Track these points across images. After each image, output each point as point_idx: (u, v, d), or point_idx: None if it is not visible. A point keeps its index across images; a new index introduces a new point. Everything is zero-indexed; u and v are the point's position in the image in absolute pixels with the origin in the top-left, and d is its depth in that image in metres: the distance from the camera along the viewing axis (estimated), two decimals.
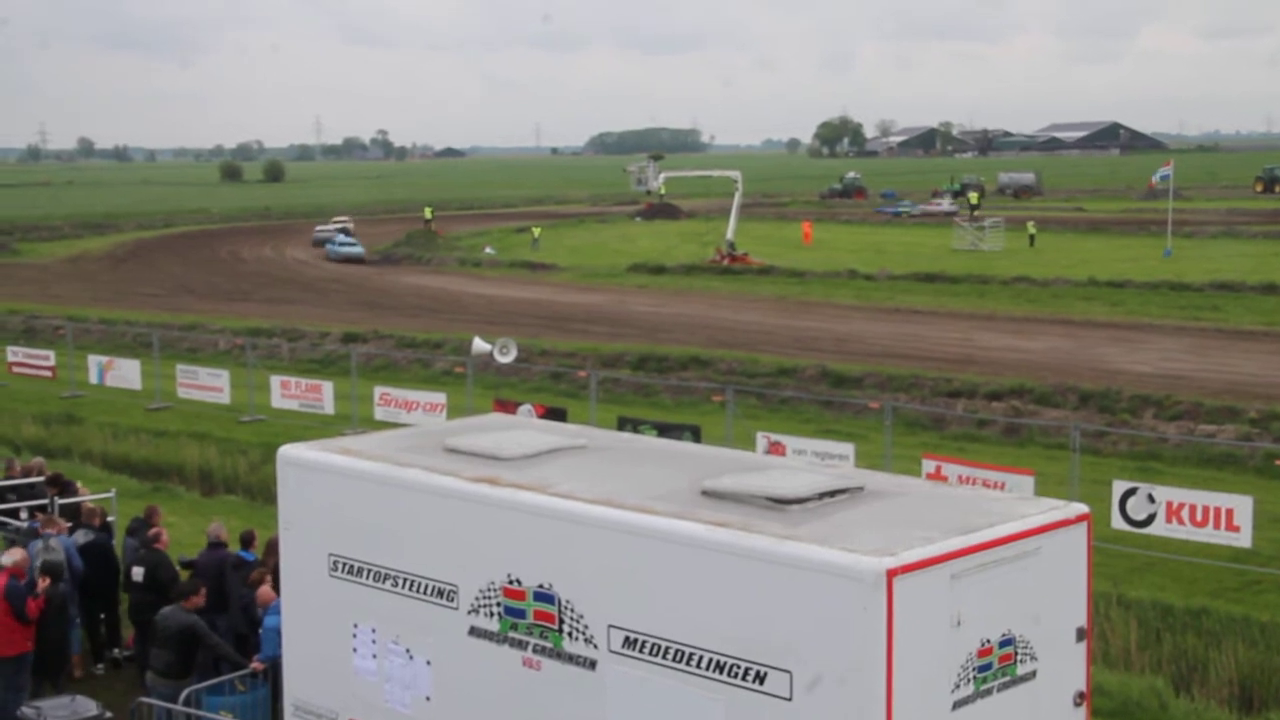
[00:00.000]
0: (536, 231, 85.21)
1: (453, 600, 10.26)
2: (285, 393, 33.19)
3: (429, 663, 10.54)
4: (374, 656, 10.92)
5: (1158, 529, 21.03)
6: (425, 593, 10.45)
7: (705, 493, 9.60)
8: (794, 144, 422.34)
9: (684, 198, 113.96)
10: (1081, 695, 9.50)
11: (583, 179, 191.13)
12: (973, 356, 39.54)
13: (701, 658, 8.81)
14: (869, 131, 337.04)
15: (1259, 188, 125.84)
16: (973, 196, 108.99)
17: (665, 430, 25.83)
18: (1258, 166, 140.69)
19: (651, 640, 9.07)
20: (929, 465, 22.79)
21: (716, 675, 8.72)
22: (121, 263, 78.76)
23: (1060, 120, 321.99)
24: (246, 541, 15.32)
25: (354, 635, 11.05)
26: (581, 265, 70.18)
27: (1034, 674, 9.07)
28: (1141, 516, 21.21)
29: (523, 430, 12.00)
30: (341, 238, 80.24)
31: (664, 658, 9.00)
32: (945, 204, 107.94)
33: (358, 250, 76.31)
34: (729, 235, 69.91)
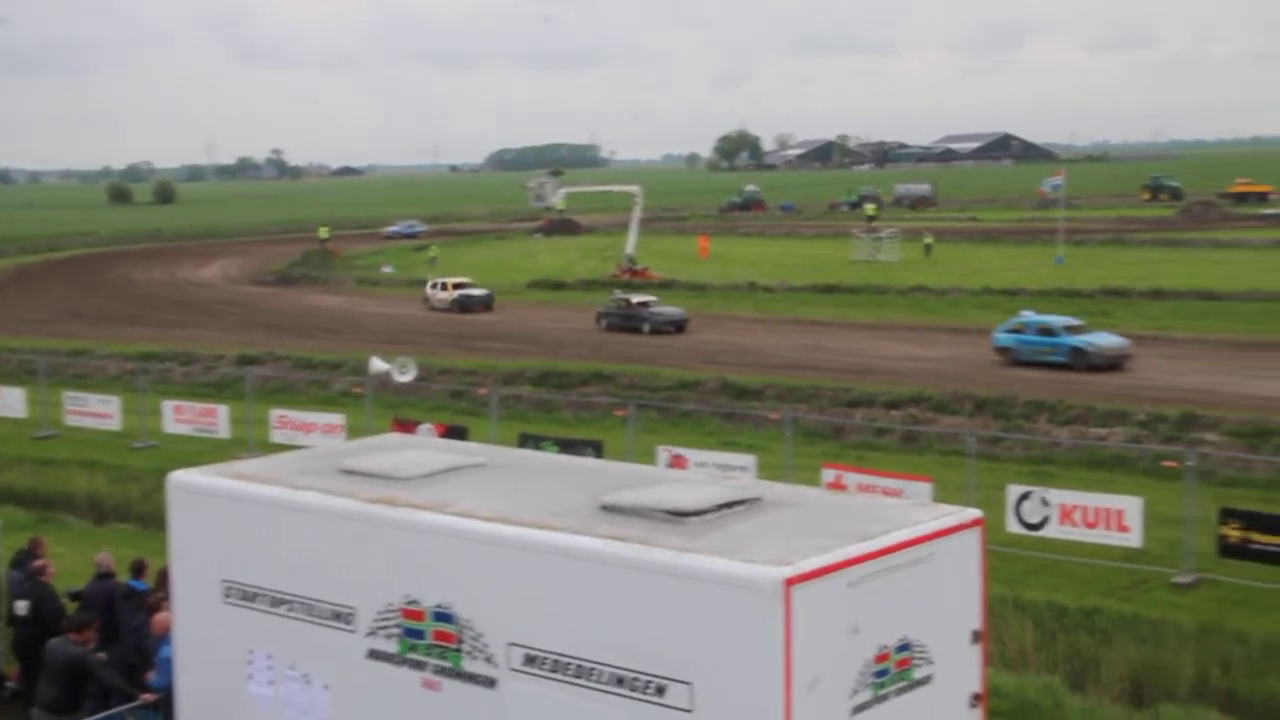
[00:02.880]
0: (433, 250, 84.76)
1: (351, 623, 10.15)
2: (179, 417, 32.62)
3: (327, 687, 10.41)
4: (270, 683, 10.77)
5: (1052, 531, 21.46)
6: (322, 616, 10.33)
7: (604, 507, 9.61)
8: (693, 158, 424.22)
9: (584, 213, 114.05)
10: (977, 697, 9.65)
11: (482, 196, 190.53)
12: (871, 366, 40.02)
13: (602, 672, 8.81)
14: (767, 145, 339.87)
15: (1146, 196, 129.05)
16: (869, 208, 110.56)
17: (567, 446, 25.82)
18: (1145, 175, 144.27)
19: (552, 657, 9.05)
20: (829, 474, 23.02)
21: (617, 689, 8.73)
22: (3, 288, 76.81)
23: (954, 132, 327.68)
24: (138, 570, 14.98)
25: (249, 662, 10.88)
26: (482, 282, 69.85)
27: (930, 678, 9.19)
28: (1036, 519, 21.62)
29: (420, 449, 11.93)
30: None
31: (564, 674, 8.99)
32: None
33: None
34: (629, 250, 70.12)
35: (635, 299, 52.66)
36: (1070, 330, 40.37)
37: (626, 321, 50.84)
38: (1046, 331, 40.21)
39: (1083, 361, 38.73)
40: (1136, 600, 19.51)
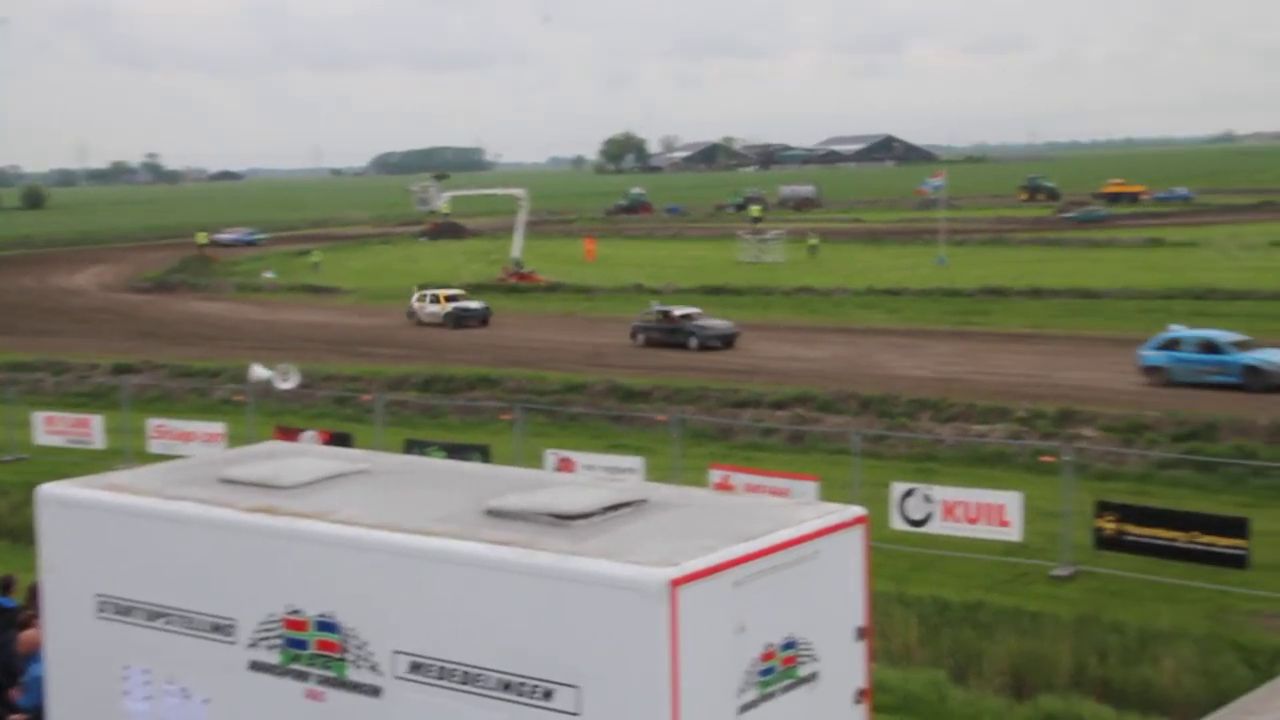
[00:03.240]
0: (316, 255, 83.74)
1: (231, 635, 9.98)
2: (50, 428, 31.75)
3: (207, 701, 10.22)
4: (147, 699, 10.53)
5: (935, 527, 21.80)
6: (202, 629, 10.14)
7: (490, 512, 9.56)
8: (579, 161, 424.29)
9: (469, 217, 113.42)
10: (862, 693, 9.76)
11: (365, 200, 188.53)
12: (758, 367, 40.35)
13: (489, 678, 8.76)
14: (653, 147, 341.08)
15: (1024, 196, 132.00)
16: (755, 210, 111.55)
17: (453, 451, 25.65)
18: (1022, 176, 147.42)
19: (438, 663, 8.98)
20: (716, 475, 23.15)
21: (504, 694, 8.69)
22: None
23: (838, 134, 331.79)
24: (5, 586, 14.50)
25: (125, 678, 10.63)
26: (365, 287, 69.28)
27: (816, 675, 9.28)
28: (920, 516, 21.96)
29: (302, 457, 11.76)
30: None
31: (451, 680, 8.92)
32: None
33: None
34: (515, 253, 69.94)
35: (677, 311, 47.42)
36: (1239, 346, 35.67)
37: (670, 336, 45.87)
38: (1210, 348, 35.55)
39: (1259, 382, 34.07)
40: (1017, 593, 19.91)
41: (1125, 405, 31.84)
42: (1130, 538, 20.54)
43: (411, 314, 55.12)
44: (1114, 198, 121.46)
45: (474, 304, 54.99)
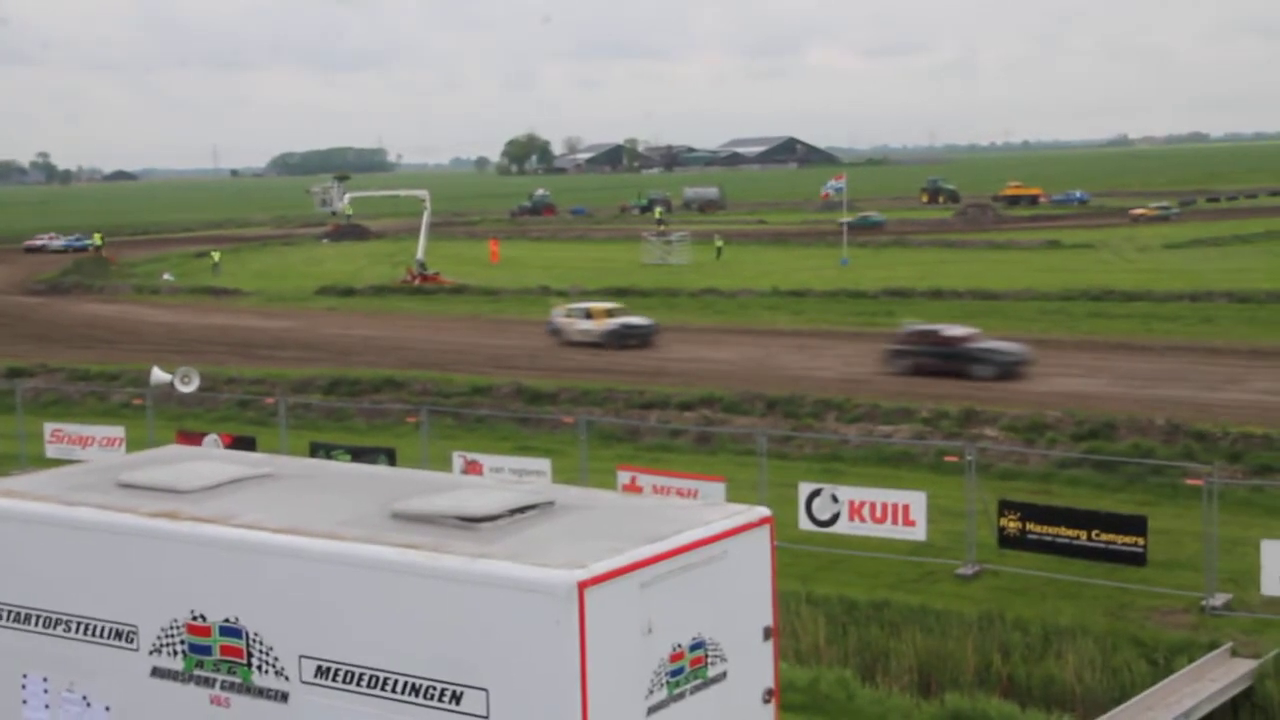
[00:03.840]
0: (216, 255, 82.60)
1: (132, 641, 9.81)
2: None
3: (109, 708, 10.05)
4: (46, 706, 10.34)
5: (842, 527, 21.97)
6: (102, 635, 9.96)
7: (396, 515, 9.50)
8: (482, 162, 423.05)
9: (372, 218, 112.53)
10: (770, 692, 9.82)
11: (265, 201, 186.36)
12: (665, 368, 40.43)
13: (397, 682, 8.70)
14: (556, 149, 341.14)
15: (925, 198, 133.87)
16: (658, 212, 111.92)
17: (359, 454, 25.42)
18: (922, 178, 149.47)
19: (345, 668, 8.90)
20: (624, 477, 23.14)
21: (413, 699, 8.63)
22: None
23: (740, 136, 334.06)
24: None
25: (23, 686, 10.42)
26: (267, 289, 68.40)
27: (724, 675, 9.33)
28: (826, 516, 22.12)
29: (204, 461, 11.60)
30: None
31: (359, 685, 8.85)
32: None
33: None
34: (419, 255, 69.45)
35: (947, 331, 38.71)
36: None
37: (946, 363, 37.44)
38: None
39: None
40: (923, 592, 20.14)
41: (1026, 405, 32.33)
42: (1033, 536, 20.85)
43: (557, 331, 46.54)
44: (1013, 200, 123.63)
45: (640, 320, 46.52)
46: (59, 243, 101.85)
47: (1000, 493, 22.93)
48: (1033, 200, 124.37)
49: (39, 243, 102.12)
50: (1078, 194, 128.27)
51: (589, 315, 46.17)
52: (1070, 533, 20.46)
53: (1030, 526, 20.86)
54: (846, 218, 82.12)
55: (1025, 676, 16.34)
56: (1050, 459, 26.96)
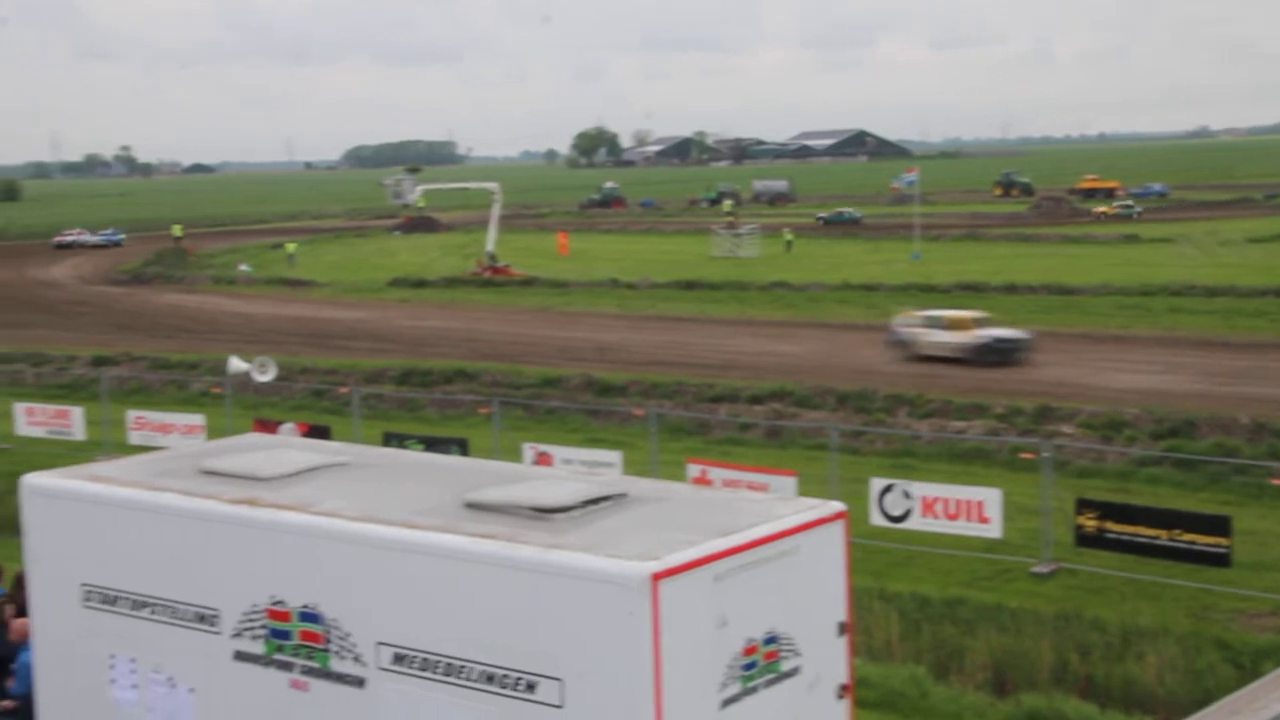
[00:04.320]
0: (291, 247, 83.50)
1: (215, 625, 9.97)
2: (30, 420, 31.66)
3: (192, 690, 10.22)
4: (134, 687, 10.53)
5: (914, 523, 21.82)
6: (186, 619, 10.13)
7: (470, 505, 9.55)
8: (551, 155, 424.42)
9: (443, 210, 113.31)
10: (844, 688, 9.77)
11: (339, 193, 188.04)
12: (734, 362, 40.37)
13: (472, 670, 8.75)
14: (625, 141, 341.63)
15: (998, 191, 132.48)
16: (726, 205, 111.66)
17: (431, 444, 25.60)
18: (996, 171, 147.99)
19: (421, 655, 8.97)
20: (694, 470, 23.14)
21: (487, 687, 8.68)
22: None
23: (810, 129, 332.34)
24: None
25: (112, 666, 10.63)
26: (340, 280, 69.11)
27: (798, 669, 9.29)
28: (899, 512, 21.98)
29: (282, 449, 11.73)
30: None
31: (434, 672, 8.91)
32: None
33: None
34: (489, 247, 69.83)
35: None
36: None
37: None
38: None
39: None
40: (998, 590, 19.94)
41: (1103, 401, 31.92)
42: (1111, 535, 20.58)
43: (902, 343, 40.29)
44: (1089, 193, 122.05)
45: (1012, 332, 39.91)
46: (91, 238, 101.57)
47: (1077, 491, 22.67)
48: (1109, 194, 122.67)
49: (69, 238, 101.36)
50: (1157, 187, 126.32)
51: (949, 325, 39.63)
52: (1150, 532, 20.17)
53: (1108, 525, 20.59)
54: (823, 212, 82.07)
55: (1104, 677, 16.08)
56: (1129, 457, 26.59)
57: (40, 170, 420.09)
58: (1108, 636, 17.17)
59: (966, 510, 21.44)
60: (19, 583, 12.97)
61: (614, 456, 24.82)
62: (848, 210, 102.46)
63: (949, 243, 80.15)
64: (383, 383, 37.74)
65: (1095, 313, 48.12)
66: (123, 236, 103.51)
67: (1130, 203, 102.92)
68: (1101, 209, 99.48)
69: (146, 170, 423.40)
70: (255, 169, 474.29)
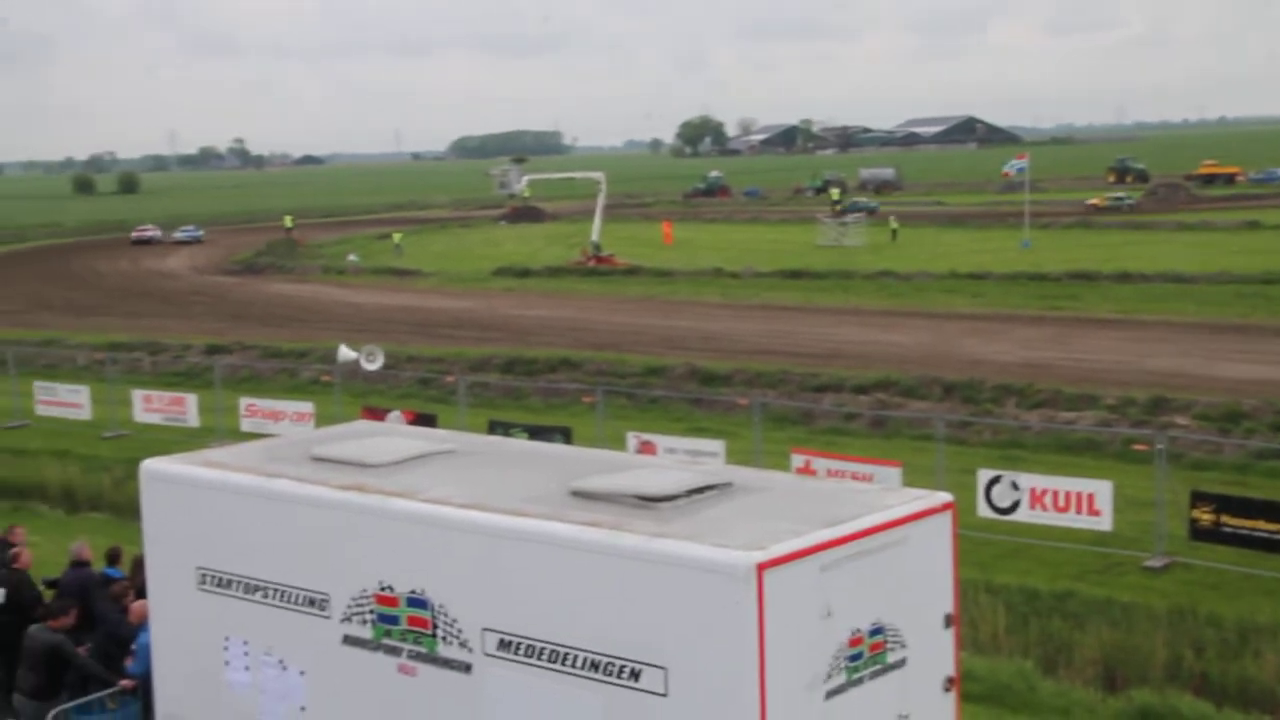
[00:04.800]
0: (397, 237, 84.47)
1: (325, 609, 10.13)
2: (148, 406, 32.46)
3: (303, 673, 10.40)
4: (246, 669, 10.75)
5: (1022, 515, 21.50)
6: (297, 603, 10.31)
7: (575, 493, 9.59)
8: (656, 144, 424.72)
9: (548, 200, 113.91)
10: (950, 680, 9.68)
11: (445, 184, 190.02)
12: (839, 351, 40.10)
13: (577, 657, 8.80)
14: (730, 130, 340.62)
15: (1111, 178, 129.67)
16: (834, 193, 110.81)
17: (536, 433, 25.76)
18: (1110, 157, 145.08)
19: (526, 642, 9.04)
20: (798, 460, 23.04)
21: (592, 674, 8.72)
22: None
23: (917, 116, 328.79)
24: (113, 558, 14.98)
25: (225, 648, 10.87)
26: (447, 270, 69.79)
27: (904, 661, 9.21)
28: (1006, 504, 21.68)
29: (390, 437, 11.89)
30: None
31: (539, 659, 8.97)
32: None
33: None
34: (594, 236, 70.06)
35: None
36: None
37: None
38: None
39: None
40: (1108, 584, 19.58)
41: (1220, 392, 31.21)
42: (1228, 529, 20.07)
43: None
44: (1208, 179, 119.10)
45: None
46: (161, 234, 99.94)
47: (1192, 483, 22.14)
48: (1229, 179, 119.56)
49: (147, 234, 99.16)
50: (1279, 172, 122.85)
51: None
52: (1270, 526, 19.66)
53: (1225, 519, 20.10)
54: (836, 198, 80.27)
55: (1219, 675, 15.70)
56: (1247, 449, 25.92)
57: (158, 163, 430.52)
58: (1224, 633, 16.77)
59: (1076, 502, 21.08)
60: (138, 566, 13.32)
61: (717, 446, 24.78)
62: (866, 199, 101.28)
63: (1059, 230, 78.77)
64: (488, 371, 38.07)
65: (1212, 301, 46.95)
66: (202, 233, 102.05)
67: (1123, 194, 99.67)
68: (1094, 201, 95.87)
69: (259, 162, 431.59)
70: (364, 160, 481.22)
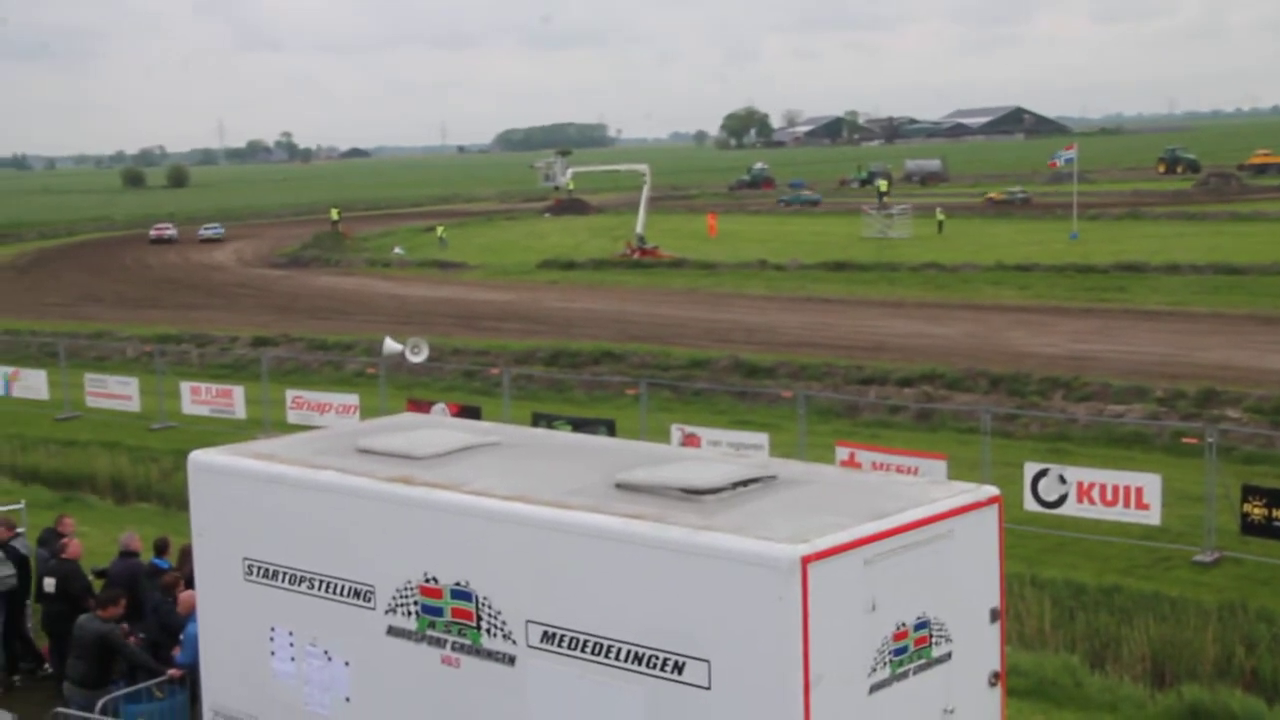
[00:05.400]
0: (441, 230, 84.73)
1: (370, 600, 10.18)
2: (196, 399, 32.72)
3: (348, 664, 10.46)
4: (292, 659, 10.82)
5: (1069, 509, 21.31)
6: (342, 594, 10.36)
7: (619, 486, 9.59)
8: (701, 136, 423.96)
9: (592, 193, 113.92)
10: (996, 675, 9.62)
11: (490, 176, 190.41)
12: (884, 343, 39.91)
13: (620, 650, 8.80)
14: (775, 122, 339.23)
15: (1161, 169, 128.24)
16: (881, 184, 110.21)
17: (580, 425, 25.78)
18: (1160, 148, 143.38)
19: (570, 634, 9.05)
20: (843, 453, 22.94)
21: (636, 667, 8.72)
22: (24, 273, 77.24)
23: (964, 106, 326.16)
24: (160, 549, 15.13)
25: (271, 639, 10.94)
26: (491, 263, 69.97)
27: (949, 655, 9.16)
28: (1053, 497, 21.50)
29: (435, 429, 11.93)
30: None
31: (583, 651, 8.98)
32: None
33: None
34: (638, 229, 69.99)
35: None
36: None
37: None
38: None
39: None
40: (1156, 578, 19.39)
41: (1272, 385, 30.84)
42: None
43: None
44: (1260, 169, 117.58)
45: None
46: (200, 233, 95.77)
47: (1243, 477, 21.85)
48: None
49: (166, 233, 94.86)
50: None
51: None
52: None
53: (1277, 513, 19.83)
54: (785, 196, 79.65)
55: (1271, 671, 15.50)
56: None
57: (206, 157, 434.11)
58: (1275, 629, 16.56)
59: (1124, 496, 20.86)
60: (185, 555, 13.45)
61: (761, 438, 24.71)
62: (807, 192, 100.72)
63: (1109, 222, 78.02)
64: (532, 364, 38.14)
65: (1265, 293, 46.35)
66: (223, 230, 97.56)
67: (1019, 187, 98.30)
68: (993, 194, 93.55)
69: (306, 155, 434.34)
70: (410, 153, 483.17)
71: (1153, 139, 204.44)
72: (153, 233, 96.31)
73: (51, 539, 15.92)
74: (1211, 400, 29.36)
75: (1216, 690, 14.58)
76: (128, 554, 15.06)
